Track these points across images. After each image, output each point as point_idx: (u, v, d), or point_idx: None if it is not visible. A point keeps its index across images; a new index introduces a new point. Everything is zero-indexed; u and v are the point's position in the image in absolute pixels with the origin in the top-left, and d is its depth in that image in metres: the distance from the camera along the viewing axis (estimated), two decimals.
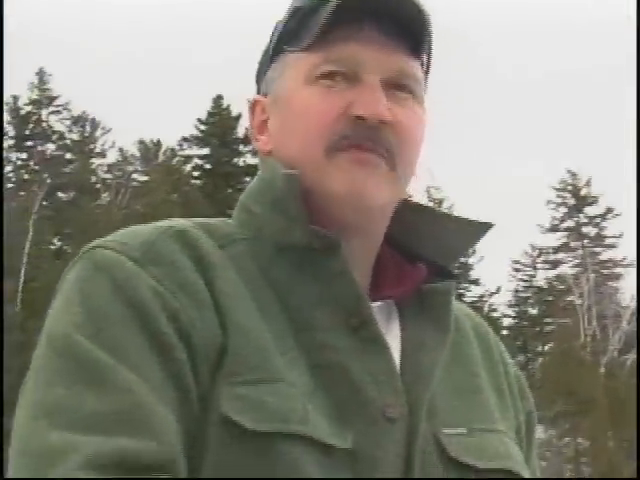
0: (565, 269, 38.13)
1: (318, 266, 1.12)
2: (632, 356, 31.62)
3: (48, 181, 33.83)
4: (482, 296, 38.45)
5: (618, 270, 36.32)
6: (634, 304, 32.60)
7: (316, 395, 1.04)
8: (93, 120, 37.89)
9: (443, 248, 1.21)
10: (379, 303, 1.16)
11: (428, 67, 1.22)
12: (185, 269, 1.07)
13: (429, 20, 1.15)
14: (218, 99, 36.04)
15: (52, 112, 37.26)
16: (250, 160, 34.16)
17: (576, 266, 37.37)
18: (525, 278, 39.99)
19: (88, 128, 38.08)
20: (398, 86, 1.16)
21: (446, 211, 1.24)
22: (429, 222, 1.22)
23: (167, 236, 1.09)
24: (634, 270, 34.74)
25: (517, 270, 39.95)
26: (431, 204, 1.27)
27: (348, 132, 1.12)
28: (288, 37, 1.19)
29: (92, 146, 38.10)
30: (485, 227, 1.20)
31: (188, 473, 0.98)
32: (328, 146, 1.13)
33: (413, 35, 1.15)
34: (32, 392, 1.01)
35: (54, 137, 37.03)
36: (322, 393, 1.05)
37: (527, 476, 1.17)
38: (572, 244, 38.04)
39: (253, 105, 1.24)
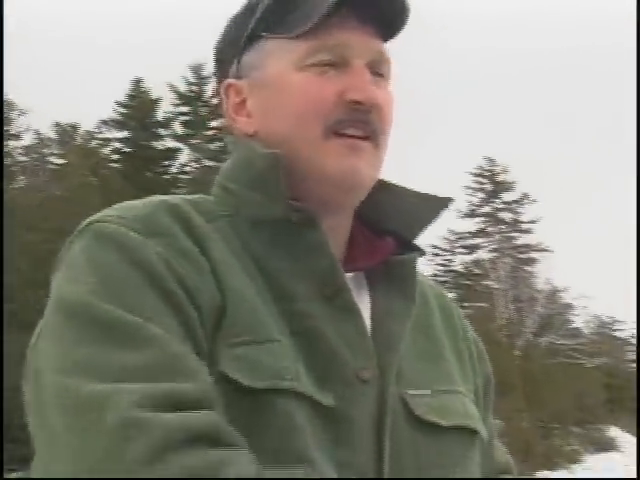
0: (482, 254, 38.76)
1: (294, 239, 1.19)
2: (545, 339, 32.35)
3: None
4: None
5: (533, 255, 37.05)
6: (549, 287, 33.38)
7: (298, 359, 1.12)
8: (9, 102, 37.15)
9: (407, 222, 1.30)
10: (350, 274, 1.24)
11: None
12: (182, 239, 1.13)
13: (406, 7, 1.23)
14: (137, 82, 35.59)
15: None
16: (170, 144, 33.85)
17: (493, 251, 37.99)
18: (443, 263, 40.54)
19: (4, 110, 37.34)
20: (376, 70, 1.24)
21: (408, 187, 1.32)
22: (393, 197, 1.30)
23: (161, 209, 1.16)
24: (548, 255, 35.55)
25: (435, 255, 40.44)
26: None
27: (344, 116, 1.20)
28: (268, 24, 1.25)
29: (7, 128, 37.35)
30: (445, 201, 1.29)
31: None
32: (325, 128, 1.20)
33: (391, 21, 1.24)
34: (55, 358, 1.04)
35: None
36: (303, 357, 1.12)
37: (484, 433, 1.28)
38: (489, 229, 38.65)
39: (227, 88, 1.29)
